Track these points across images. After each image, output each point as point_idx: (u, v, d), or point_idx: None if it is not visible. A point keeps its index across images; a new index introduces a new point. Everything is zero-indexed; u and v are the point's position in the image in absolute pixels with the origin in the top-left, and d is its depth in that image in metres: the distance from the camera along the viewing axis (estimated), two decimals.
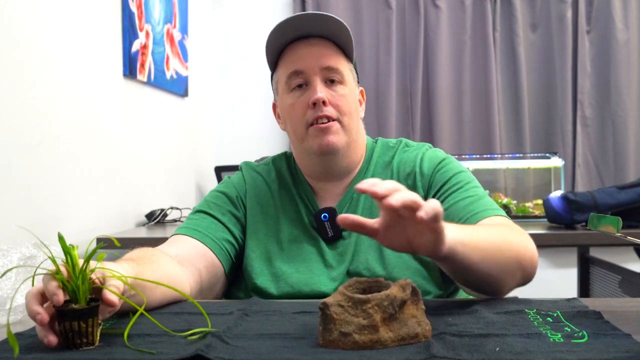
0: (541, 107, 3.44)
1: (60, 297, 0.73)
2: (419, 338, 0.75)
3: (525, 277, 1.01)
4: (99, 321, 0.77)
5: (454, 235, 0.87)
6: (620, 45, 3.35)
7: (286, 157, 1.30)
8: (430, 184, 1.19)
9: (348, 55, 1.22)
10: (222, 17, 3.46)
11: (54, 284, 0.74)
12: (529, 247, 1.01)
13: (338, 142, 1.16)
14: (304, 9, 3.38)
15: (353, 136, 1.19)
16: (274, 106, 1.28)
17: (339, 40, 1.19)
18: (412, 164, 1.21)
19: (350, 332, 0.73)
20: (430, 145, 1.27)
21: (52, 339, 0.74)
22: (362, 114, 1.25)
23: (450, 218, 1.10)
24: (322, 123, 1.14)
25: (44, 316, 0.73)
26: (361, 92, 1.27)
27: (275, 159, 1.31)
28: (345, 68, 1.19)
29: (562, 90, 3.37)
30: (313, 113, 1.14)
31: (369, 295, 0.74)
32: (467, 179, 1.18)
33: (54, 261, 0.76)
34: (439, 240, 0.83)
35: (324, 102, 1.14)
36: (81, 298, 0.75)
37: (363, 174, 1.23)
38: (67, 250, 0.76)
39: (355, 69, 1.25)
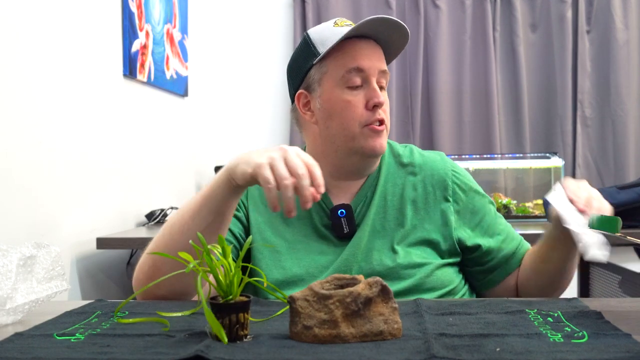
0: (541, 107, 3.44)
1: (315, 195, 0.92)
2: (384, 335, 0.75)
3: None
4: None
5: None
6: (620, 45, 3.35)
7: None
8: (465, 203, 1.23)
9: None
10: (222, 17, 3.46)
11: None
12: None
13: (385, 146, 1.19)
14: (303, 9, 3.39)
15: None
16: (299, 96, 1.20)
17: (389, 49, 1.21)
18: (442, 174, 1.23)
19: (311, 326, 0.75)
20: (442, 153, 1.30)
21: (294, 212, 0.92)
22: None
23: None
24: (377, 126, 1.16)
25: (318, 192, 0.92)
26: None
27: None
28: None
29: (562, 90, 3.37)
30: (372, 115, 1.15)
31: (332, 292, 0.76)
32: (488, 200, 1.28)
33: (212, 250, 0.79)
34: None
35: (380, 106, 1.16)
36: (235, 293, 0.78)
37: (377, 173, 1.24)
38: (225, 249, 0.79)
39: None
